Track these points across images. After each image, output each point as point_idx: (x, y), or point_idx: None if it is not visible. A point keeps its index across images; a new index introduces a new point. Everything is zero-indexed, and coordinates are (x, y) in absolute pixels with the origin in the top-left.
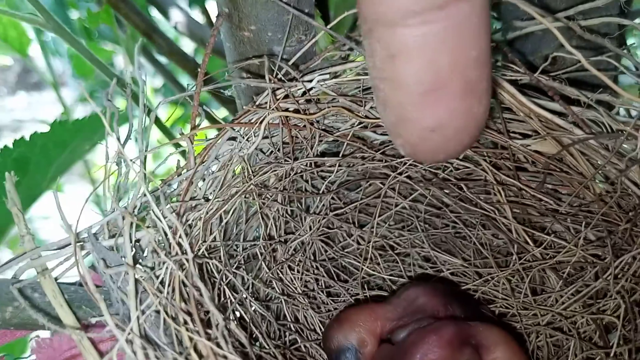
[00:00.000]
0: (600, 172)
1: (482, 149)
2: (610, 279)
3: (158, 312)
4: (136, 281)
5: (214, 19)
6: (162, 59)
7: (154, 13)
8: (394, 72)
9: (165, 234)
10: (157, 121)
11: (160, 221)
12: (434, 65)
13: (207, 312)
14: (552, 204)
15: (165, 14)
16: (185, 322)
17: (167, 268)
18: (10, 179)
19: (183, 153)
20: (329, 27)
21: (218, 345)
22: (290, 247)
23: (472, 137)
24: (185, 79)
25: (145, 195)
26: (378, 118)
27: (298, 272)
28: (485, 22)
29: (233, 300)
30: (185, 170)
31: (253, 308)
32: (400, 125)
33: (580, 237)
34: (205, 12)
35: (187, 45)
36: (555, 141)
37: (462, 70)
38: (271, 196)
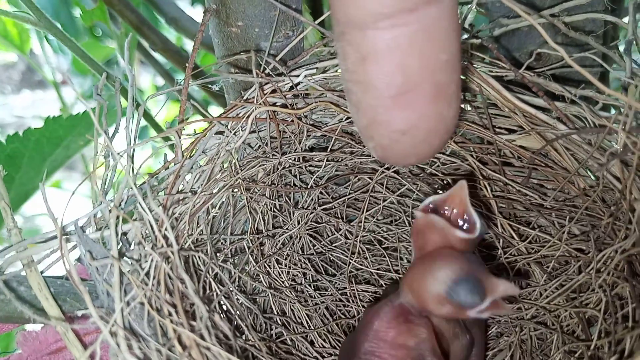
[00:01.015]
0: (584, 166)
1: (468, 144)
2: (592, 273)
3: (142, 304)
4: (122, 273)
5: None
6: (162, 59)
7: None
8: (365, 74)
9: (151, 227)
10: (151, 119)
11: (147, 214)
12: (404, 68)
13: (192, 304)
14: (537, 199)
15: (159, 10)
16: (170, 314)
17: (152, 260)
18: None
19: (172, 147)
20: (316, 22)
21: (201, 337)
22: (278, 241)
23: (442, 140)
24: (178, 75)
25: (132, 188)
26: None
27: (285, 265)
28: (456, 26)
29: (219, 293)
30: (172, 164)
31: (239, 301)
32: (371, 127)
33: (564, 231)
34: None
35: (189, 44)
36: (540, 136)
37: (432, 73)
38: (259, 190)
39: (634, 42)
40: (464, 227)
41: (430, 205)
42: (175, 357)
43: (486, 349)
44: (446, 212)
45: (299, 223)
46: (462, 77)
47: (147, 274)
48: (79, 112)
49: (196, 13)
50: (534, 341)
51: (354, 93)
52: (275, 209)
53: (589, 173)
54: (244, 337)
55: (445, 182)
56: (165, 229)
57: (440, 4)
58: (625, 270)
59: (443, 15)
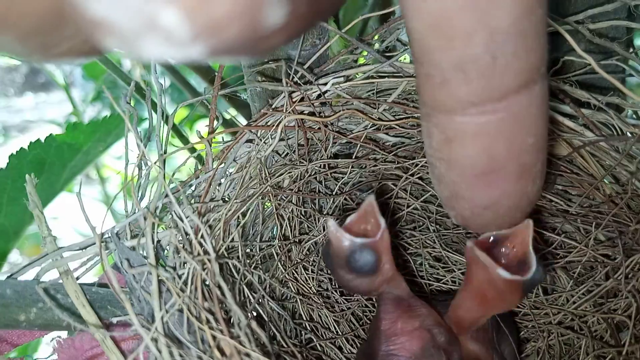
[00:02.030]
0: (610, 173)
1: None
2: (621, 279)
3: (181, 310)
4: (160, 281)
5: None
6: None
7: None
8: (450, 154)
9: (187, 234)
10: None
11: (182, 221)
12: (490, 151)
13: (227, 310)
14: (563, 205)
15: None
16: (208, 321)
17: (189, 268)
18: (31, 181)
19: (198, 156)
20: (343, 31)
21: (241, 343)
22: (304, 247)
23: (524, 212)
24: (192, 78)
25: (166, 196)
26: (391, 120)
27: (312, 271)
28: (544, 110)
29: (252, 299)
30: (203, 172)
31: (270, 307)
32: (454, 200)
33: (590, 238)
34: None
35: None
36: (566, 143)
37: (518, 155)
38: (286, 197)
39: None
40: (518, 269)
41: (491, 239)
42: None
43: None
44: (506, 249)
45: (324, 229)
46: None
47: (185, 281)
48: (99, 118)
49: None
50: (561, 346)
51: (437, 167)
52: (301, 216)
53: (613, 180)
54: (275, 342)
55: None
56: (201, 236)
57: (530, 92)
58: None
59: (532, 102)
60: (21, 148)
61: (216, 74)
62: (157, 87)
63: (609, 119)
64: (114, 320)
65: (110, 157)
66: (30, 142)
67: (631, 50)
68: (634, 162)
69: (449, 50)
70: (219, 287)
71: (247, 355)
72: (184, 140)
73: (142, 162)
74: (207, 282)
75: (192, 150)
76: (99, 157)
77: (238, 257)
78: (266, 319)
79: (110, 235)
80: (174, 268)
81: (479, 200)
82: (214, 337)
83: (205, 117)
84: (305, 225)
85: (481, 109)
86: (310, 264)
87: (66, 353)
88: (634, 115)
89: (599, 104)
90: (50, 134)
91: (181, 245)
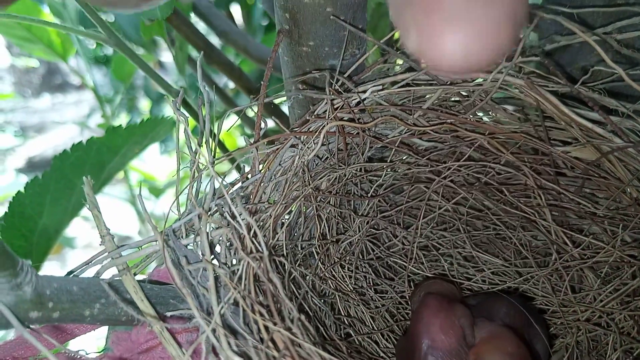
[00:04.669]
0: (637, 177)
1: (523, 155)
2: None
3: (237, 304)
4: (216, 276)
5: (237, 23)
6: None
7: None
8: None
9: (239, 233)
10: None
11: (237, 220)
12: None
13: (279, 305)
14: (590, 207)
15: (210, 24)
16: (262, 314)
17: (243, 264)
18: (89, 183)
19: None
20: (382, 41)
21: (293, 335)
22: (341, 247)
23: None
24: (217, 77)
25: (220, 197)
26: (425, 126)
27: (349, 270)
28: None
29: (298, 295)
30: (250, 175)
31: (314, 302)
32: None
33: (617, 239)
34: (229, 15)
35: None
36: (595, 148)
37: None
38: (326, 199)
39: None
40: None
41: None
42: (272, 353)
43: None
44: None
45: (359, 230)
46: (520, 92)
47: (239, 277)
48: (136, 122)
49: None
50: (589, 342)
51: None
52: (338, 217)
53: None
54: (320, 336)
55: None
56: (254, 235)
57: None
58: None
59: None
60: (64, 151)
61: (262, 83)
62: (204, 93)
63: (637, 125)
64: (168, 314)
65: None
66: (73, 145)
67: None
68: None
69: None
70: (271, 282)
71: (299, 346)
72: (222, 144)
73: (196, 165)
74: (258, 278)
75: (231, 159)
76: (134, 159)
77: (284, 255)
78: (310, 313)
79: (167, 234)
80: (227, 264)
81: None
82: (267, 329)
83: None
84: (342, 226)
85: None
86: (347, 262)
87: (123, 345)
88: None
89: (627, 111)
90: (91, 137)
91: (234, 242)
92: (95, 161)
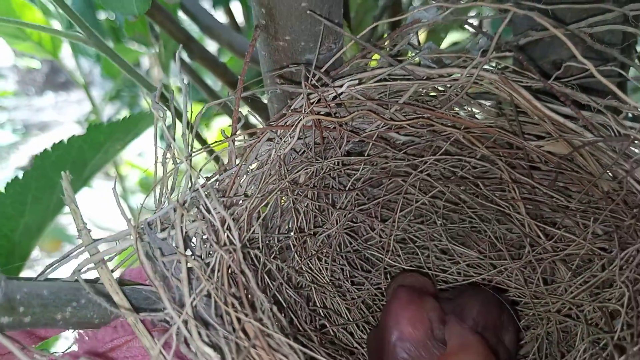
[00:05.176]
0: (607, 171)
1: (498, 149)
2: (616, 270)
3: (209, 296)
4: (189, 268)
5: (237, 20)
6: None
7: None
8: None
9: (213, 226)
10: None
11: (211, 214)
12: None
13: (250, 296)
14: (563, 201)
15: (195, 19)
16: (234, 305)
17: (216, 256)
18: (67, 177)
19: (214, 155)
20: (358, 36)
21: (264, 325)
22: (318, 239)
23: None
24: (208, 78)
25: (195, 190)
26: (402, 120)
27: (326, 262)
28: None
29: (272, 286)
30: (226, 168)
31: (288, 294)
32: None
33: (588, 232)
34: (229, 12)
35: (211, 45)
36: (567, 143)
37: None
38: (303, 193)
39: None
40: None
41: None
42: (242, 344)
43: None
44: None
45: (337, 222)
46: (495, 87)
47: (212, 269)
48: (118, 119)
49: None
50: (559, 333)
51: None
52: (315, 210)
53: (610, 178)
54: (293, 327)
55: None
56: (227, 228)
57: None
58: None
59: None
60: (45, 149)
61: (239, 77)
62: (183, 88)
63: (607, 120)
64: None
65: (131, 154)
66: (54, 144)
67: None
68: (629, 161)
69: None
70: (244, 274)
71: (269, 336)
72: (201, 138)
73: (172, 159)
74: (231, 270)
75: (211, 152)
76: (117, 155)
77: (259, 248)
78: (284, 305)
79: (143, 227)
80: (200, 257)
81: None
82: (239, 320)
83: (220, 114)
84: (320, 219)
85: None
86: (324, 255)
87: (87, 344)
88: (629, 116)
89: (598, 106)
90: (73, 135)
91: (208, 235)
92: (76, 159)
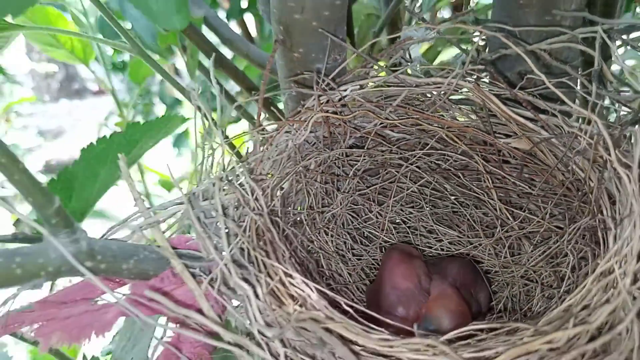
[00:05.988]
0: (561, 163)
1: (475, 146)
2: (565, 242)
3: (242, 250)
4: (227, 227)
5: (250, 30)
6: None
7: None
8: None
9: (244, 197)
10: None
11: (244, 186)
12: None
13: (274, 249)
14: (527, 189)
15: (217, 32)
16: (262, 254)
17: (247, 219)
18: (123, 159)
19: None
20: (360, 50)
21: (287, 269)
22: (325, 217)
23: None
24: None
25: (231, 168)
26: (395, 120)
27: (331, 236)
28: None
29: (289, 247)
30: (252, 155)
31: (302, 254)
32: None
33: (546, 213)
34: (242, 24)
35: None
36: (529, 140)
37: None
38: (313, 177)
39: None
40: None
41: None
42: (268, 280)
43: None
44: None
45: (341, 204)
46: (471, 94)
47: (244, 229)
48: (153, 119)
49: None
50: (522, 296)
51: None
52: (323, 192)
53: (564, 168)
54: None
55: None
56: (255, 198)
57: None
58: (587, 239)
59: None
60: (91, 143)
61: (262, 82)
62: (216, 91)
63: (559, 122)
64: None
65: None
66: (98, 138)
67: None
68: (573, 152)
69: None
70: (270, 231)
71: (291, 276)
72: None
73: (211, 143)
74: (259, 231)
75: (230, 145)
76: (148, 151)
77: (279, 217)
78: (298, 262)
79: (190, 196)
80: (234, 220)
81: None
82: (265, 265)
83: (234, 122)
84: (327, 200)
85: None
86: (330, 230)
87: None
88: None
89: (553, 111)
90: (114, 132)
91: (242, 201)
92: (117, 153)
